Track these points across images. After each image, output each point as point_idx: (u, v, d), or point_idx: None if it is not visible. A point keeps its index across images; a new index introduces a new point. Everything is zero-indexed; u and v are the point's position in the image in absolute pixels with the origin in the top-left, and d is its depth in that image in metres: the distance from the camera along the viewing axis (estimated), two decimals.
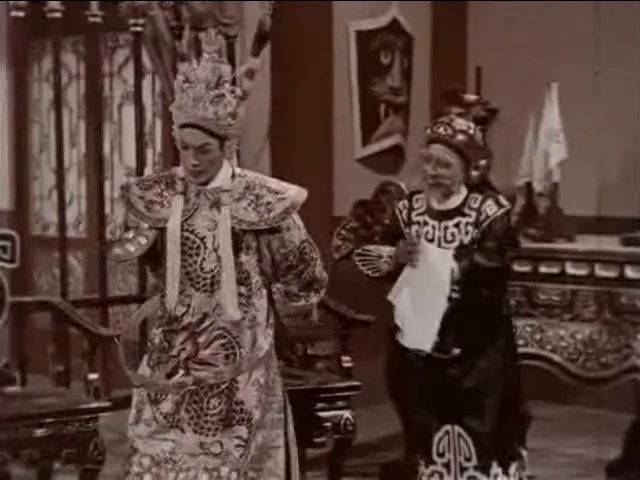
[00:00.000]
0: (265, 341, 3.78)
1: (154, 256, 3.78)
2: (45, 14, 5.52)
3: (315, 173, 6.72)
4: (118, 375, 4.24)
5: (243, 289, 3.72)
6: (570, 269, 5.25)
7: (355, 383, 4.90)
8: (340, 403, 4.82)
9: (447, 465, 4.25)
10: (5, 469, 4.29)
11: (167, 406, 3.70)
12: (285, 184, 3.87)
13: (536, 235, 5.53)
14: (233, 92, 3.71)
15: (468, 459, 4.22)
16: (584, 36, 6.84)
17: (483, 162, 4.37)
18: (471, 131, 4.22)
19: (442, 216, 4.23)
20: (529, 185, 5.71)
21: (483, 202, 4.20)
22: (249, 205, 3.72)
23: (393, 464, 5.12)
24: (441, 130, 4.18)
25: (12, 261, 4.72)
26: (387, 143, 7.25)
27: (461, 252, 4.17)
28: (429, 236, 4.24)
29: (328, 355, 5.23)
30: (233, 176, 3.77)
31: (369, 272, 4.31)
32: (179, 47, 3.89)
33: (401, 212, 4.33)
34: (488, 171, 4.54)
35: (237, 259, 3.71)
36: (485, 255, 4.14)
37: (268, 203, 3.73)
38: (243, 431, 3.69)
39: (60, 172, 5.69)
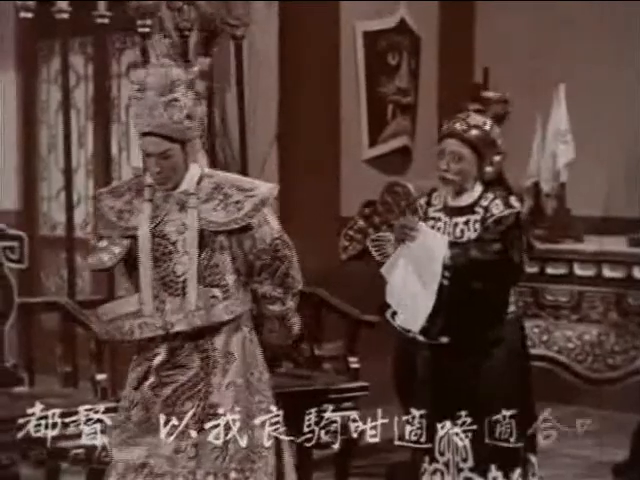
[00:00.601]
0: (243, 341, 3.75)
1: (131, 263, 3.75)
2: (53, 15, 5.54)
3: (322, 174, 6.73)
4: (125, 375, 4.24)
5: (217, 291, 3.69)
6: (577, 270, 5.25)
7: (362, 384, 4.91)
8: (347, 404, 4.83)
9: (447, 464, 4.24)
10: (14, 469, 4.31)
11: (139, 411, 3.67)
12: (256, 181, 3.85)
13: (543, 236, 5.53)
14: (187, 95, 3.64)
15: (464, 460, 4.18)
16: (591, 36, 6.85)
17: (498, 158, 4.31)
18: (486, 127, 4.20)
19: (454, 213, 4.22)
20: (536, 186, 5.70)
21: (492, 201, 4.18)
22: (218, 205, 3.68)
23: (400, 465, 5.12)
24: (456, 125, 4.18)
25: (20, 262, 4.73)
26: (394, 144, 7.25)
27: (458, 243, 4.14)
28: (440, 232, 4.21)
29: (335, 356, 5.23)
30: (201, 178, 3.73)
31: (379, 257, 4.29)
32: (133, 55, 3.87)
33: (421, 208, 4.32)
34: (501, 168, 4.49)
35: (210, 261, 3.68)
36: (479, 247, 4.11)
37: (237, 202, 3.69)
38: (219, 434, 3.65)
39: (68, 173, 5.70)
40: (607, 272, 5.17)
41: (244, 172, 6.18)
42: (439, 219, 4.23)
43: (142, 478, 3.65)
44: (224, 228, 3.69)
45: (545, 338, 5.26)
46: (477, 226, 4.17)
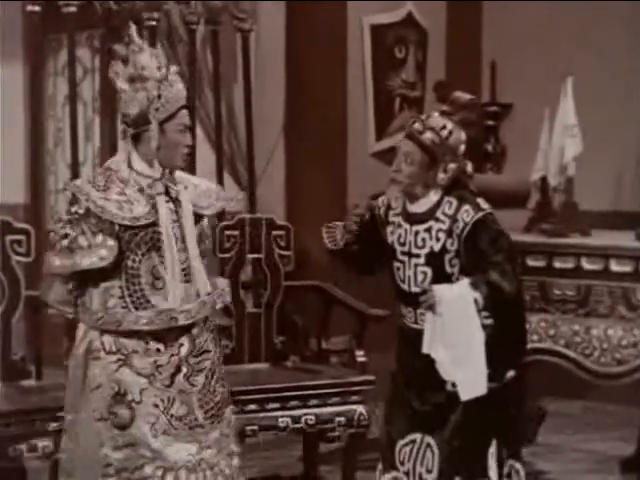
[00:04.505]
0: None
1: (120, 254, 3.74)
2: (60, 8, 5.54)
3: (329, 167, 6.73)
4: None
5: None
6: (585, 264, 5.24)
7: (369, 377, 4.91)
8: (354, 397, 4.83)
9: (407, 474, 4.03)
10: (21, 462, 4.31)
11: (180, 408, 3.66)
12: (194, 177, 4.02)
13: (550, 230, 5.52)
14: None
15: (429, 471, 3.98)
16: (599, 30, 6.84)
17: (453, 166, 4.07)
18: (444, 131, 3.97)
19: (413, 220, 4.00)
20: (544, 179, 5.69)
21: (459, 208, 3.94)
22: (194, 191, 3.81)
23: None
24: (416, 126, 4.00)
25: (27, 255, 4.74)
26: (401, 137, 7.23)
27: (475, 279, 3.88)
28: (401, 239, 4.02)
29: (342, 350, 5.24)
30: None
31: (329, 244, 4.14)
32: (119, 49, 3.90)
33: (379, 209, 4.12)
34: (466, 175, 4.15)
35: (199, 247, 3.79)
36: (498, 271, 3.87)
37: (205, 190, 3.85)
38: (230, 413, 3.80)
39: (75, 166, 5.69)
40: (614, 266, 5.16)
41: (251, 165, 6.18)
42: (399, 225, 4.03)
43: (202, 473, 3.65)
44: (208, 212, 3.83)
45: (552, 332, 5.26)
46: (441, 235, 3.94)
